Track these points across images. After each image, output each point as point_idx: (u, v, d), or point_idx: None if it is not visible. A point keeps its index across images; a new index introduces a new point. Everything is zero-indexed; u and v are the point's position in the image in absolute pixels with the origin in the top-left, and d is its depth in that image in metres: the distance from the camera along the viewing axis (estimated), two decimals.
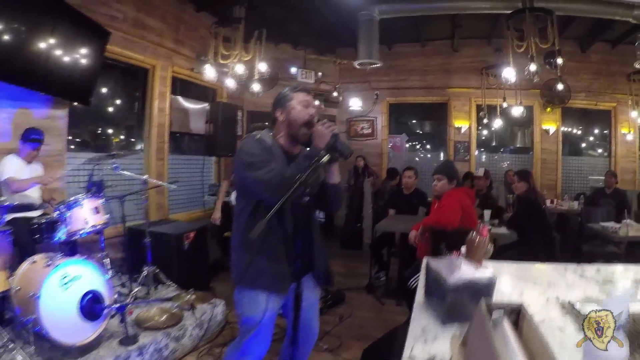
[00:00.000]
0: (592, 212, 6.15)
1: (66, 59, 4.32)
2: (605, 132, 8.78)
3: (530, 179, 4.75)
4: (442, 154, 9.21)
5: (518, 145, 9.09)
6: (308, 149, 2.06)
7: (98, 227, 3.54)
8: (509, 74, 5.09)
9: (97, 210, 3.52)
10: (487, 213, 5.00)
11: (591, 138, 9.13)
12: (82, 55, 4.54)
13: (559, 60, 4.83)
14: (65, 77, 4.37)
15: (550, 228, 4.67)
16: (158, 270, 4.27)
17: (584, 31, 7.61)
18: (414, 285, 3.79)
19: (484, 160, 8.85)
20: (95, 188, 3.71)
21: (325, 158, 1.92)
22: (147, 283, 4.20)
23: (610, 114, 8.45)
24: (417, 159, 9.57)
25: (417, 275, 3.75)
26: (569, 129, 8.84)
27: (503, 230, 4.61)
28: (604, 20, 6.54)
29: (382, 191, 7.40)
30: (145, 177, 4.02)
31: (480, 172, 5.71)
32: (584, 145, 9.09)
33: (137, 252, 4.46)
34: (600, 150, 8.99)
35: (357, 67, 6.10)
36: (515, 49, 5.08)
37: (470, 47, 8.50)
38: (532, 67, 4.62)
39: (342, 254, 7.32)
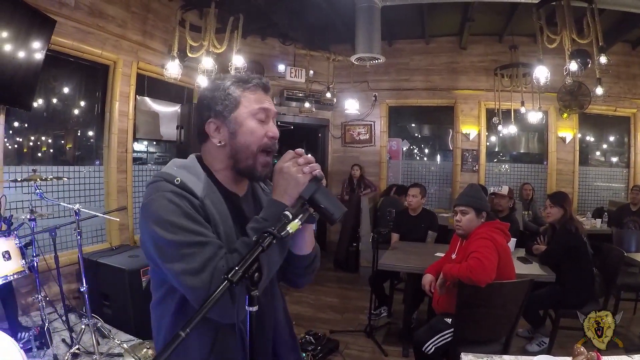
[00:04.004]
0: (626, 237, 5.32)
1: None
2: (623, 140, 7.98)
3: (566, 204, 3.88)
4: (439, 161, 8.35)
5: (531, 155, 8.22)
6: (261, 217, 1.15)
7: (10, 277, 2.63)
8: (541, 73, 4.21)
9: (7, 255, 2.60)
10: (512, 242, 4.12)
11: (606, 146, 8.31)
12: (19, 49, 3.76)
13: (603, 59, 3.97)
14: None
15: (591, 265, 3.83)
16: (100, 324, 3.37)
17: (604, 30, 6.83)
18: (431, 351, 2.96)
19: (492, 169, 8.00)
20: (5, 225, 2.79)
21: (293, 226, 1.00)
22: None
23: (629, 121, 7.70)
24: (416, 160, 8.57)
25: (435, 339, 2.93)
26: (584, 137, 8.02)
27: (536, 268, 3.74)
28: (629, 18, 5.81)
29: (384, 205, 6.52)
30: (76, 207, 3.09)
31: (504, 190, 4.81)
32: (598, 154, 8.27)
33: (94, 285, 3.79)
34: (614, 160, 8.18)
35: (355, 62, 5.20)
36: (546, 43, 4.22)
37: (480, 44, 7.68)
38: (573, 66, 3.77)
39: (336, 278, 6.49)
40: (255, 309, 0.95)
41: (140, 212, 1.18)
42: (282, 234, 0.96)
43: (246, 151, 1.23)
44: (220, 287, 0.85)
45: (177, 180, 1.15)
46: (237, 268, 0.88)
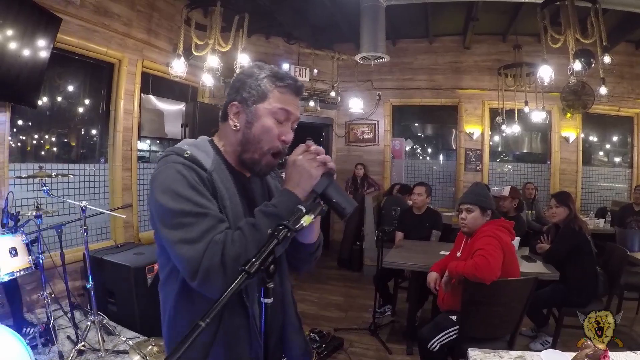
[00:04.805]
0: (629, 236, 5.32)
1: (3, 51, 3.54)
2: (626, 140, 7.96)
3: (571, 203, 3.88)
4: (443, 161, 8.34)
5: (534, 154, 8.21)
6: (272, 203, 1.16)
7: (16, 273, 2.64)
8: (545, 73, 4.21)
9: (14, 251, 2.62)
10: (516, 241, 4.12)
11: (609, 146, 8.28)
12: (25, 47, 3.76)
13: (607, 59, 3.97)
14: (2, 74, 3.59)
15: (595, 264, 3.82)
16: (105, 321, 3.39)
17: (608, 30, 6.82)
18: (436, 348, 2.96)
19: (495, 169, 7.99)
20: (11, 222, 2.81)
21: (307, 220, 1.01)
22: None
23: (632, 121, 7.69)
24: (420, 160, 8.53)
25: (440, 336, 2.94)
26: (587, 137, 8.00)
27: (540, 266, 3.75)
28: (632, 18, 5.80)
29: (388, 204, 6.53)
30: (83, 204, 3.11)
31: (505, 191, 4.80)
32: (601, 154, 8.25)
33: (99, 282, 3.78)
34: (617, 160, 8.16)
35: (360, 61, 5.21)
36: (550, 43, 4.22)
37: (484, 44, 7.67)
38: (577, 66, 3.77)
39: (340, 276, 6.50)
40: (270, 300, 0.96)
41: (150, 183, 1.21)
42: (297, 227, 0.98)
43: (255, 145, 1.26)
44: (238, 279, 0.86)
45: (187, 154, 1.18)
46: (253, 260, 0.89)
